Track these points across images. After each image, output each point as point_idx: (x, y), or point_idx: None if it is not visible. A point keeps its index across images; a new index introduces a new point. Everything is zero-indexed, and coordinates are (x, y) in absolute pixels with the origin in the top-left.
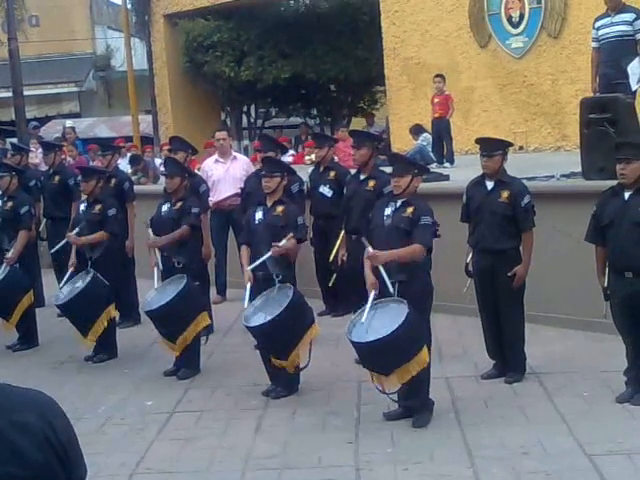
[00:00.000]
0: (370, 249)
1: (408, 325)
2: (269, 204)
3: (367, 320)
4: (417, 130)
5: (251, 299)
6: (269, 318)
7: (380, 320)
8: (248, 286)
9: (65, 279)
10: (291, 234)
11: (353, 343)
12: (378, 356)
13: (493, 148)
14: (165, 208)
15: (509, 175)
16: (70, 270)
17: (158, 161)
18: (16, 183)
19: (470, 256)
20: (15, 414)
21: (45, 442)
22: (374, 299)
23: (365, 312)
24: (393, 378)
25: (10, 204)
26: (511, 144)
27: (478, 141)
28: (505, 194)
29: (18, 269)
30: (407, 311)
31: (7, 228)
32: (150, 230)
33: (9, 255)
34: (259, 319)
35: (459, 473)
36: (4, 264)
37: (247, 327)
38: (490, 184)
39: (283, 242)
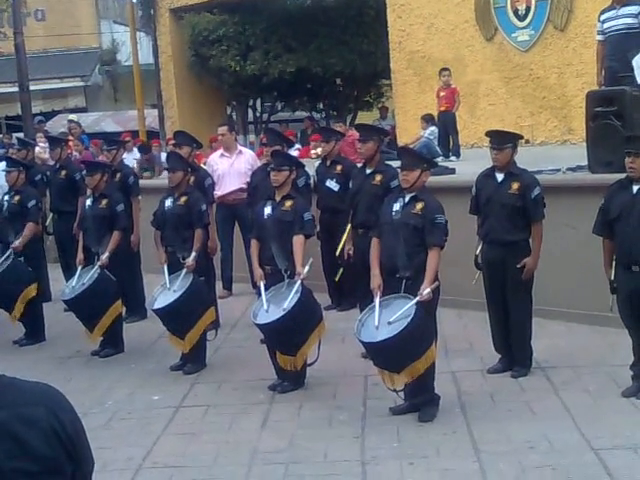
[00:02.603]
0: (425, 293)
1: (417, 322)
2: (277, 199)
3: (377, 320)
4: (428, 119)
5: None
6: (278, 316)
7: (388, 318)
8: (262, 285)
9: (76, 277)
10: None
11: (363, 343)
12: (389, 354)
13: (503, 141)
14: (168, 203)
15: (519, 167)
16: (80, 267)
17: (164, 155)
18: (24, 178)
19: (479, 248)
20: (23, 408)
21: (53, 436)
22: (380, 299)
23: (375, 314)
24: (403, 375)
25: (17, 198)
26: (521, 136)
27: (489, 134)
28: (515, 186)
29: (21, 262)
30: (415, 308)
31: (14, 222)
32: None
33: (15, 243)
34: (268, 316)
35: (465, 468)
36: (7, 253)
37: (256, 324)
38: (500, 176)
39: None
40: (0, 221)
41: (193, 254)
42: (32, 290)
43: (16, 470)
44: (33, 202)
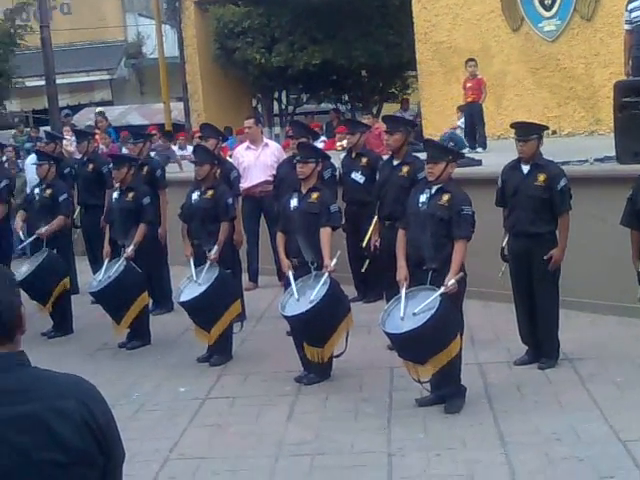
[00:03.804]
0: (450, 284)
1: (441, 314)
2: (304, 191)
3: (403, 311)
4: (463, 109)
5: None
6: (306, 308)
7: (414, 309)
8: (290, 275)
9: (103, 270)
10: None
11: (388, 334)
12: (414, 346)
13: (529, 132)
14: (195, 196)
15: (545, 158)
16: (106, 260)
17: (190, 148)
18: (54, 171)
19: (506, 240)
20: (56, 400)
21: (84, 427)
22: (406, 290)
23: (401, 306)
24: (428, 367)
25: (49, 192)
26: (546, 127)
27: (513, 125)
28: (542, 177)
29: (56, 255)
30: (440, 300)
31: (45, 215)
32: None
33: (41, 230)
34: (295, 308)
35: (491, 459)
36: (32, 238)
37: (284, 316)
38: (526, 168)
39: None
40: (31, 214)
41: (215, 247)
42: (66, 282)
43: (48, 461)
44: (64, 196)
